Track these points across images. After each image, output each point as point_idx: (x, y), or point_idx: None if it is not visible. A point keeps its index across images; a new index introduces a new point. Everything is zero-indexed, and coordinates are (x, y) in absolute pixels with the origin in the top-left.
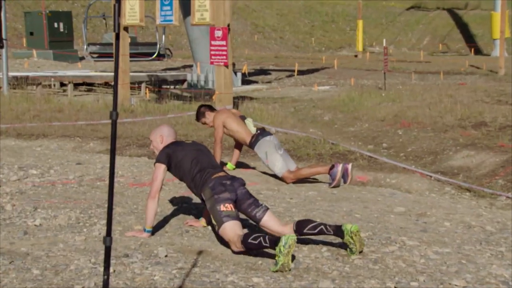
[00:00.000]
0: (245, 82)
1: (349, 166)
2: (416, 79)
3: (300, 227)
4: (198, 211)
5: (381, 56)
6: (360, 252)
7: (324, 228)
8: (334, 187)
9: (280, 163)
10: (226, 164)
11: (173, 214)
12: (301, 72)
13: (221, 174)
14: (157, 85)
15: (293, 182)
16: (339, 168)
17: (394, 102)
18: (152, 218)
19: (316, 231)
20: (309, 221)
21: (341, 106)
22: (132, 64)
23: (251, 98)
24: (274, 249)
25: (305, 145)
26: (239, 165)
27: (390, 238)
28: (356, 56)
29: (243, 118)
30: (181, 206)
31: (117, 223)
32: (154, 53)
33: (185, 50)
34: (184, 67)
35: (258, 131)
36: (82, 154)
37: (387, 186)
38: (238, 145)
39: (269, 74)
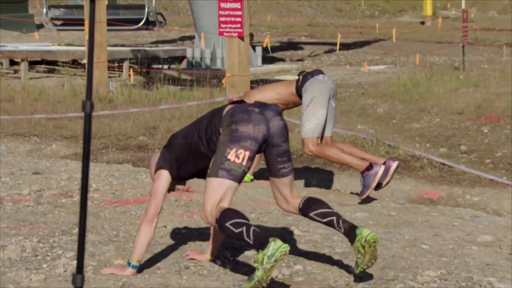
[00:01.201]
0: (267, 60)
1: (394, 165)
2: (508, 54)
3: (307, 207)
4: (201, 239)
5: (458, 23)
6: (365, 268)
7: (335, 222)
8: (363, 201)
9: (317, 121)
10: None
11: (168, 244)
12: (345, 46)
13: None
14: (145, 64)
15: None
16: (379, 171)
17: (476, 87)
18: (143, 249)
19: (324, 220)
20: (321, 205)
21: (401, 94)
22: (111, 35)
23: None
24: (257, 251)
25: None
26: (259, 175)
27: (472, 278)
28: (422, 23)
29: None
30: (178, 232)
31: (90, 256)
32: (141, 19)
33: (183, 15)
34: (183, 39)
35: (304, 72)
36: (41, 160)
37: (466, 205)
38: None
39: (301, 49)
